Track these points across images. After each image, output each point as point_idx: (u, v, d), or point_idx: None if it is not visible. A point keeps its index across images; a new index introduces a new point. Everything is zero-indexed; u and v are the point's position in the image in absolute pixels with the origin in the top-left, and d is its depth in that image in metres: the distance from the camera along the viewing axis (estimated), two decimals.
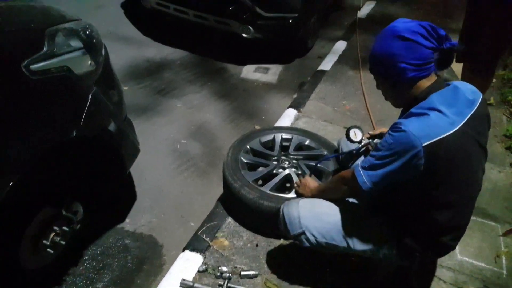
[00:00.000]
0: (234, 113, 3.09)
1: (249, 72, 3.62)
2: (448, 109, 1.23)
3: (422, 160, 1.20)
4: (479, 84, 2.62)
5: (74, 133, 1.52)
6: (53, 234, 1.69)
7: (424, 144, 1.18)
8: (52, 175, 1.61)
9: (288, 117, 2.84)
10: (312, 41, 3.96)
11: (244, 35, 3.42)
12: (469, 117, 1.25)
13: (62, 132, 1.50)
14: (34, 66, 1.36)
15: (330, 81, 3.34)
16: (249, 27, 3.35)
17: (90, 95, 1.59)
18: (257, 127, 2.96)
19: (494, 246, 2.06)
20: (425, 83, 1.30)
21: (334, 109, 3.01)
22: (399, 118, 1.37)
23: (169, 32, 3.96)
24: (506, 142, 2.80)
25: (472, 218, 2.14)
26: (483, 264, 1.96)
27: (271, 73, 3.63)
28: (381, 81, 1.40)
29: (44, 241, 1.65)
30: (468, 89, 1.32)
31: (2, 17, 1.43)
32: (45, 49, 1.42)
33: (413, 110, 1.27)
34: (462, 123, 1.23)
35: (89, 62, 1.63)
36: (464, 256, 1.99)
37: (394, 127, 1.25)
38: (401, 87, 1.34)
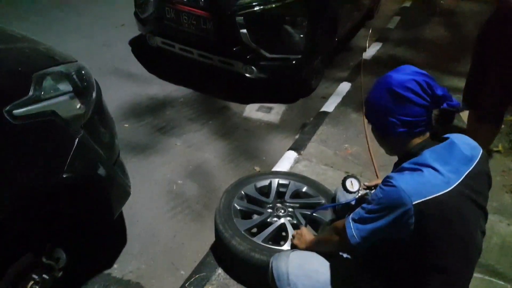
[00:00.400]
0: (234, 153, 3.04)
1: (252, 111, 3.59)
2: (443, 166, 1.16)
3: (412, 219, 1.12)
4: (486, 132, 2.57)
5: (57, 178, 1.48)
6: (31, 282, 1.61)
7: (414, 202, 1.11)
8: (32, 221, 1.55)
9: (287, 160, 2.77)
10: (316, 81, 3.94)
11: (247, 75, 3.42)
12: (466, 175, 1.18)
13: (43, 177, 1.45)
14: (17, 111, 1.33)
15: (332, 123, 3.29)
16: (253, 67, 3.35)
17: (77, 139, 1.54)
18: (257, 168, 2.89)
19: None
20: (417, 140, 1.24)
21: (336, 153, 2.93)
22: (392, 171, 1.31)
23: (174, 70, 3.99)
24: None
25: (479, 276, 2.03)
26: None
27: (274, 112, 3.59)
28: (373, 129, 1.36)
29: None
30: (466, 144, 1.25)
31: None
32: (30, 93, 1.39)
33: (405, 165, 1.21)
34: (458, 182, 1.16)
35: (78, 105, 1.59)
36: None
37: (386, 181, 1.19)
38: (391, 140, 1.30)
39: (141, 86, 3.70)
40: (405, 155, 1.26)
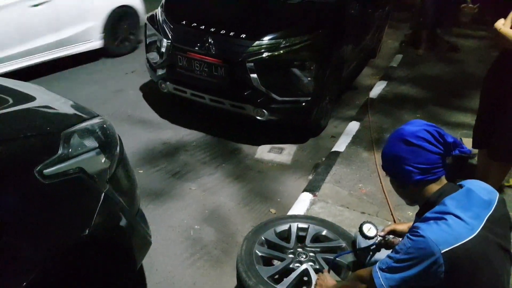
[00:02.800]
0: (248, 196, 3.05)
1: (264, 152, 3.63)
2: (464, 213, 1.20)
3: (442, 267, 1.15)
4: (498, 169, 2.58)
5: (86, 232, 1.50)
6: None
7: (443, 251, 1.14)
8: (61, 276, 1.56)
9: (303, 202, 2.78)
10: (325, 121, 4.01)
11: (258, 117, 3.49)
12: (487, 219, 1.22)
13: (73, 233, 1.48)
14: (47, 171, 1.38)
15: (344, 163, 3.31)
16: (264, 110, 3.43)
17: (103, 194, 1.58)
18: (272, 210, 2.89)
19: None
20: (435, 186, 1.30)
21: (350, 193, 2.93)
22: (415, 221, 1.37)
23: (186, 114, 4.08)
24: None
25: None
26: None
27: (286, 153, 3.63)
28: (391, 180, 1.42)
29: None
30: (482, 189, 1.30)
31: (21, 121, 1.49)
32: (59, 152, 1.45)
33: (428, 214, 1.25)
34: (481, 226, 1.19)
35: (103, 160, 1.64)
36: None
37: (413, 231, 1.22)
38: (409, 189, 1.35)
39: (154, 132, 3.78)
40: (425, 204, 1.32)
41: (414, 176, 1.29)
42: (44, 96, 1.85)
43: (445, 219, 1.19)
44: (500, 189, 2.84)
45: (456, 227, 1.17)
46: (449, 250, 1.14)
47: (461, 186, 1.30)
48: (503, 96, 2.44)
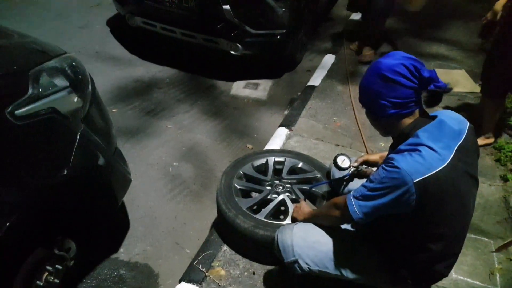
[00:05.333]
0: (225, 132, 3.08)
1: (239, 88, 3.61)
2: (436, 144, 1.25)
3: (413, 196, 1.22)
4: (489, 105, 2.71)
5: (64, 172, 1.50)
6: (46, 273, 1.65)
7: (415, 181, 1.20)
8: (43, 216, 1.58)
9: (279, 137, 2.83)
10: (300, 55, 3.96)
11: (232, 52, 3.41)
12: (457, 149, 1.27)
13: (51, 173, 1.48)
14: (18, 112, 1.33)
15: (320, 97, 3.34)
16: (238, 44, 3.34)
17: (78, 133, 1.56)
18: (249, 146, 2.95)
19: (487, 263, 2.07)
20: (408, 120, 1.33)
21: (325, 126, 3.01)
22: (389, 152, 1.42)
23: (157, 50, 3.94)
24: (495, 155, 2.83)
25: None
26: (477, 282, 1.97)
27: (261, 89, 3.62)
28: (366, 112, 1.45)
29: (38, 282, 1.61)
30: (453, 119, 1.35)
31: None
32: (29, 92, 1.39)
33: (402, 147, 1.29)
34: (451, 156, 1.25)
35: (76, 99, 1.60)
36: (459, 275, 1.99)
37: (387, 162, 1.27)
38: (384, 121, 1.39)
39: (125, 69, 3.65)
40: (398, 136, 1.36)
41: (388, 110, 1.32)
42: (1, 33, 1.74)
43: (418, 150, 1.23)
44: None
45: (428, 157, 1.22)
46: (421, 179, 1.20)
47: (433, 118, 1.33)
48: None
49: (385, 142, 2.81)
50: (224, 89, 3.58)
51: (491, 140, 2.89)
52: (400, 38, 4.43)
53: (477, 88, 2.86)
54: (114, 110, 3.13)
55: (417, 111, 1.33)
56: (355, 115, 3.12)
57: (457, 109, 3.26)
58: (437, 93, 1.27)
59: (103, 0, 4.57)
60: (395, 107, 1.30)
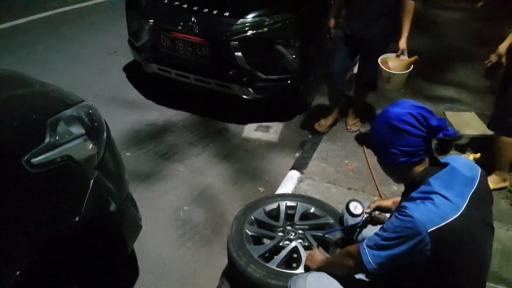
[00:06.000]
0: (236, 175, 3.08)
1: (251, 131, 3.65)
2: (449, 191, 1.24)
3: (428, 246, 1.19)
4: (500, 143, 2.69)
5: (76, 219, 1.51)
6: None
7: (429, 230, 1.18)
8: (54, 263, 1.57)
9: (291, 180, 2.82)
10: (311, 97, 4.03)
11: (244, 96, 3.48)
12: (470, 196, 1.25)
13: (64, 220, 1.48)
14: (35, 160, 1.36)
15: (331, 140, 3.36)
16: (249, 89, 3.42)
17: (92, 180, 1.58)
18: (261, 189, 2.93)
19: None
20: (419, 167, 1.33)
21: (337, 169, 2.99)
22: (401, 200, 1.42)
23: (171, 95, 4.04)
24: (511, 198, 2.75)
25: None
26: None
27: (272, 131, 3.65)
28: (377, 159, 1.45)
29: None
30: (465, 166, 1.33)
31: (4, 111, 1.46)
32: (46, 140, 1.43)
33: (414, 194, 1.28)
34: (465, 204, 1.23)
35: (91, 146, 1.63)
36: None
37: (400, 211, 1.25)
38: (395, 169, 1.39)
39: (139, 113, 3.74)
40: (411, 183, 1.35)
41: (398, 158, 1.32)
42: (26, 81, 1.81)
43: (431, 198, 1.22)
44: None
45: (442, 206, 1.20)
46: (435, 229, 1.17)
47: (445, 165, 1.32)
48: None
49: (398, 186, 2.77)
50: (235, 132, 3.62)
51: (507, 183, 2.83)
52: (409, 81, 4.47)
53: (487, 130, 2.85)
54: (128, 154, 3.18)
55: (427, 159, 1.32)
56: (366, 158, 3.10)
57: (469, 151, 3.23)
58: (447, 141, 1.27)
59: (121, 47, 4.75)
60: (404, 156, 1.31)
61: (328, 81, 3.35)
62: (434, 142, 1.30)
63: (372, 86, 3.25)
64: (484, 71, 3.00)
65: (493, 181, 2.78)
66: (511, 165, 2.89)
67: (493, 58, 2.81)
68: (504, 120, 2.64)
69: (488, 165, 2.82)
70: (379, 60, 2.78)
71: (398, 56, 2.83)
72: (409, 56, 2.91)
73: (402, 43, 2.82)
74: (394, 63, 2.75)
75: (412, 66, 2.76)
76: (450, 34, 6.10)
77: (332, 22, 3.20)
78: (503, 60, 2.77)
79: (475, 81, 4.52)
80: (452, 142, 1.28)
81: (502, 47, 2.73)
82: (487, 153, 2.99)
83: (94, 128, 1.70)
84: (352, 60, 3.26)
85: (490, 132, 2.88)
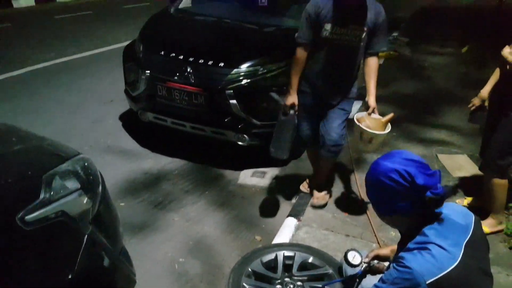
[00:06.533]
0: (233, 224, 3.03)
1: (247, 177, 3.64)
2: (445, 241, 1.24)
3: None
4: (492, 184, 2.69)
5: (69, 277, 1.46)
6: None
7: (428, 282, 1.17)
8: None
9: (288, 227, 2.78)
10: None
11: (240, 143, 3.51)
12: (465, 244, 1.25)
13: (57, 278, 1.44)
14: (29, 217, 1.34)
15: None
16: (244, 135, 3.46)
17: (86, 236, 1.55)
18: (258, 237, 2.88)
19: None
20: (411, 219, 1.33)
21: (334, 216, 2.96)
22: (398, 249, 1.42)
23: (166, 142, 4.07)
24: (509, 242, 2.73)
25: None
26: None
27: (268, 177, 3.65)
28: (372, 206, 1.45)
29: None
30: (458, 213, 1.34)
31: (0, 166, 1.46)
32: (41, 196, 1.42)
33: (411, 245, 1.27)
34: (461, 254, 1.22)
35: (85, 200, 1.61)
36: None
37: (398, 262, 1.25)
38: (388, 219, 1.40)
39: (134, 162, 3.74)
40: (405, 233, 1.36)
41: (388, 211, 1.34)
42: (22, 136, 1.83)
43: (428, 249, 1.22)
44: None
45: (439, 257, 1.20)
46: (433, 280, 1.17)
47: (439, 214, 1.32)
48: (500, 112, 2.60)
49: (396, 232, 2.72)
50: (231, 178, 3.61)
51: (503, 226, 2.80)
52: (400, 124, 4.57)
53: (480, 172, 2.88)
54: (122, 204, 3.14)
55: (419, 211, 1.31)
56: (364, 203, 3.09)
57: (462, 194, 3.23)
58: (434, 199, 1.25)
59: (117, 96, 4.85)
60: (394, 210, 1.32)
61: (303, 146, 3.18)
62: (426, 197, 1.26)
63: (338, 151, 2.87)
64: (468, 115, 3.08)
65: (489, 225, 2.76)
66: (506, 207, 2.89)
67: (476, 101, 2.89)
68: (495, 162, 2.65)
69: (482, 209, 2.84)
70: (355, 119, 2.56)
71: (369, 114, 2.60)
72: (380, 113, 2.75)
73: (372, 101, 2.60)
74: (371, 122, 2.54)
75: (390, 124, 2.60)
76: (438, 78, 6.31)
77: (290, 100, 2.74)
78: (486, 103, 2.85)
79: (465, 124, 4.57)
80: (443, 199, 1.27)
81: (484, 91, 2.82)
82: (481, 196, 2.98)
83: (90, 182, 1.69)
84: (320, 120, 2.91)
85: (481, 174, 2.90)
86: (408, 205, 1.28)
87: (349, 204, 3.13)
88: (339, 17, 2.45)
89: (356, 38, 2.52)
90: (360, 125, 2.49)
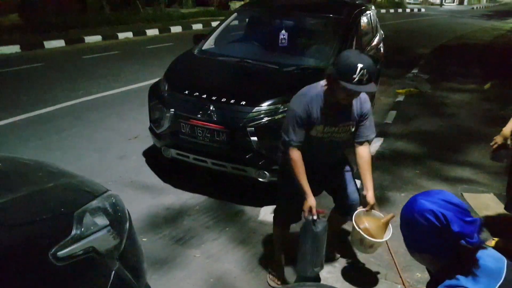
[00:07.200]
0: (253, 261, 3.01)
1: (267, 213, 3.62)
2: (476, 285, 1.20)
3: None
4: None
5: None
6: None
7: None
8: None
9: None
10: None
11: (260, 179, 3.54)
12: None
13: None
14: (61, 253, 1.40)
15: (349, 223, 3.31)
16: (265, 172, 3.49)
17: (113, 272, 1.58)
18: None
19: None
20: (443, 261, 1.29)
21: (357, 254, 2.91)
22: None
23: (188, 178, 4.13)
24: None
25: None
26: None
27: None
28: (403, 239, 1.41)
29: None
30: (490, 257, 1.29)
31: (35, 203, 1.53)
32: (73, 233, 1.48)
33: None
34: None
35: (114, 236, 1.66)
36: None
37: None
38: (417, 256, 1.37)
39: (156, 197, 3.80)
40: (435, 274, 1.33)
41: (419, 250, 1.32)
42: (54, 173, 1.91)
43: None
44: None
45: None
46: None
47: (471, 259, 1.28)
48: None
49: (421, 273, 2.67)
50: (252, 215, 3.62)
51: None
52: (423, 162, 4.52)
53: (507, 213, 2.82)
54: (145, 239, 3.17)
55: (451, 255, 1.27)
56: (387, 243, 3.02)
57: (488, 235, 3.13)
58: (468, 248, 1.21)
59: (141, 133, 5.00)
60: (425, 248, 1.30)
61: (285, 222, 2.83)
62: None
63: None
64: (490, 153, 3.03)
65: None
66: None
67: (498, 140, 2.85)
68: None
69: (509, 251, 2.74)
70: (354, 223, 2.38)
71: (367, 211, 2.45)
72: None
73: (370, 197, 2.42)
74: (369, 223, 2.38)
75: (390, 226, 2.42)
76: (461, 115, 6.24)
77: (308, 204, 2.40)
78: (509, 141, 2.81)
79: (491, 162, 4.50)
80: (477, 250, 1.23)
81: (507, 129, 2.78)
82: (508, 237, 2.89)
83: (118, 218, 1.75)
84: None
85: (509, 215, 2.83)
86: (440, 247, 1.26)
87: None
88: (328, 118, 2.40)
89: (347, 133, 2.50)
90: (361, 231, 2.31)
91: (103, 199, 1.77)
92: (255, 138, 3.41)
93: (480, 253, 1.29)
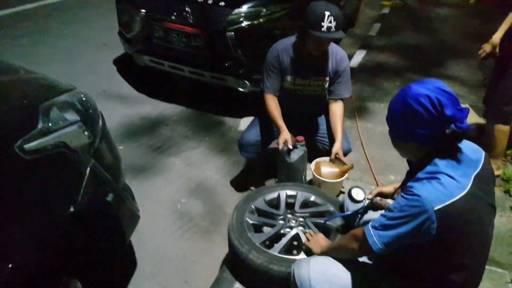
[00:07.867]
0: (234, 169, 3.02)
1: (247, 124, 3.58)
2: (455, 171, 1.24)
3: (434, 224, 1.20)
4: (495, 131, 2.71)
5: (72, 209, 1.45)
6: None
7: (436, 208, 1.18)
8: (48, 256, 1.51)
9: None
10: None
11: (240, 89, 3.43)
12: (474, 177, 1.26)
13: (59, 210, 1.42)
14: (28, 146, 1.30)
15: None
16: (246, 81, 3.36)
17: (88, 168, 1.52)
18: (253, 188, 2.86)
19: None
20: (427, 148, 1.31)
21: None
22: (406, 178, 1.43)
23: (163, 88, 3.97)
24: (504, 186, 2.79)
25: None
26: None
27: None
28: (389, 131, 1.43)
29: None
30: (470, 148, 1.34)
31: None
32: (39, 126, 1.37)
33: (420, 175, 1.27)
34: (470, 184, 1.24)
35: (86, 133, 1.57)
36: None
37: (407, 191, 1.25)
38: (402, 145, 1.39)
39: (132, 107, 3.67)
40: (416, 162, 1.36)
41: (408, 138, 1.32)
42: (15, 69, 1.75)
43: (438, 178, 1.22)
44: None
45: (448, 185, 1.21)
46: (441, 207, 1.18)
47: (453, 147, 1.31)
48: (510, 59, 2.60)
49: (395, 175, 2.76)
50: (232, 125, 3.57)
51: (500, 171, 2.86)
52: (404, 75, 4.49)
53: (481, 122, 2.89)
54: (121, 147, 3.11)
55: (435, 142, 1.29)
56: (364, 149, 3.09)
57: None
58: (458, 133, 1.23)
59: (110, 40, 4.67)
60: (412, 135, 1.29)
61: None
62: (447, 130, 1.23)
63: None
64: (479, 62, 3.00)
65: None
66: (504, 154, 2.95)
67: (487, 48, 2.79)
68: (499, 108, 2.69)
69: None
70: (312, 166, 2.53)
71: (332, 160, 2.47)
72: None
73: (337, 147, 2.43)
74: (327, 169, 2.46)
75: (346, 175, 2.50)
76: (444, 30, 6.14)
77: (282, 137, 2.38)
78: (497, 49, 2.77)
79: (468, 75, 4.55)
80: (463, 135, 1.24)
81: (496, 37, 2.72)
82: (480, 144, 3.00)
83: (89, 116, 1.64)
84: None
85: (483, 123, 2.91)
86: (428, 133, 1.26)
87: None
88: (299, 69, 2.44)
89: (319, 88, 2.52)
90: (313, 171, 2.50)
91: (71, 94, 1.65)
92: (234, 44, 3.22)
93: (461, 145, 1.32)
